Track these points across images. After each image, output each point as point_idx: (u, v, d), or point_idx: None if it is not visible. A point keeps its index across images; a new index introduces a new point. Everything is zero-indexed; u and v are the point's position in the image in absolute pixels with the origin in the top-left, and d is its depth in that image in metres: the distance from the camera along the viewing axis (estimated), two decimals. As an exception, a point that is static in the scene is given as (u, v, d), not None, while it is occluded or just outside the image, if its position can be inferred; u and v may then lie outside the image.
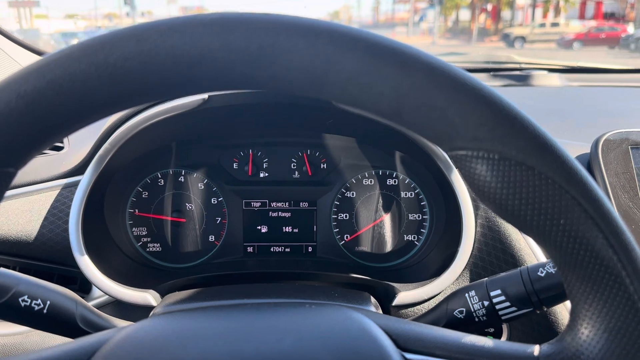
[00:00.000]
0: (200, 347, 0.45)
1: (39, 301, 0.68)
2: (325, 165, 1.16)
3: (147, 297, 0.93)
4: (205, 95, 0.92)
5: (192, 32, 0.36)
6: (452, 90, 0.36)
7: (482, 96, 0.37)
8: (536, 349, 0.45)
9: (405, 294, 0.95)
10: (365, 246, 1.15)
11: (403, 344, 0.47)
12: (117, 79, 0.36)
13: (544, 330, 0.91)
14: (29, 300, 0.68)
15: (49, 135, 0.38)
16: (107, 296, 1.01)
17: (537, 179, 0.37)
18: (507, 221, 0.39)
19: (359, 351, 0.45)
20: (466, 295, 0.71)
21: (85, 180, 0.96)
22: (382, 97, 0.37)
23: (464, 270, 0.96)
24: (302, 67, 0.36)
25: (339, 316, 0.51)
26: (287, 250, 1.16)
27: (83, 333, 0.70)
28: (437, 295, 0.95)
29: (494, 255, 0.96)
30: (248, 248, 1.15)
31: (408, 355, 0.46)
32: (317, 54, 0.36)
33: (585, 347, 0.41)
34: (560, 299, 0.67)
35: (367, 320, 0.49)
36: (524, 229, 0.39)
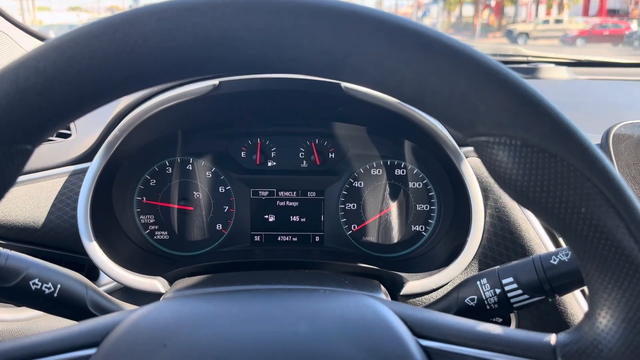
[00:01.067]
0: (215, 329, 0.45)
1: (50, 284, 0.68)
2: (333, 155, 1.16)
3: (156, 283, 0.93)
4: (215, 81, 0.92)
5: (214, 11, 0.35)
6: (475, 74, 0.36)
7: (506, 81, 0.36)
8: (553, 338, 0.44)
9: (413, 284, 0.95)
10: (373, 236, 1.15)
11: (418, 330, 0.47)
12: (137, 57, 0.36)
13: (553, 320, 0.91)
14: (40, 284, 0.68)
15: (66, 112, 0.37)
16: (114, 283, 1.01)
17: (559, 166, 0.36)
18: (527, 208, 0.39)
19: (375, 337, 0.45)
20: (478, 283, 0.71)
21: (93, 167, 0.96)
22: (404, 81, 0.37)
23: (472, 260, 0.95)
24: (324, 49, 0.36)
25: (355, 302, 0.50)
26: (295, 239, 1.15)
27: (93, 317, 0.70)
28: (445, 285, 0.95)
29: (503, 246, 0.96)
30: (255, 237, 1.15)
31: (423, 342, 0.45)
32: (340, 35, 0.36)
33: (603, 337, 0.41)
34: (572, 287, 0.67)
35: (383, 306, 0.49)
36: (544, 216, 0.39)
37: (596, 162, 0.37)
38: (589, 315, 0.42)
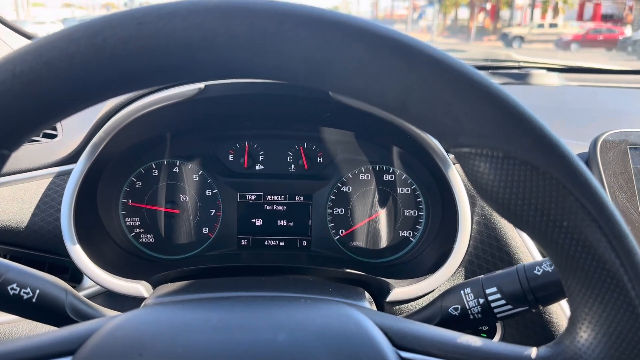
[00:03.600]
0: (193, 338, 0.44)
1: (28, 289, 0.67)
2: (321, 159, 1.15)
3: (139, 288, 0.92)
4: (201, 85, 0.91)
5: (195, 16, 0.35)
6: (458, 85, 0.36)
7: (489, 93, 0.36)
8: (533, 352, 0.44)
9: (399, 290, 0.94)
10: (360, 241, 1.14)
11: (399, 342, 0.46)
12: (116, 62, 0.35)
13: (539, 329, 0.91)
14: (18, 289, 0.67)
15: (44, 117, 0.37)
16: (98, 286, 1.00)
17: (541, 179, 0.36)
18: (509, 221, 0.38)
19: (355, 348, 0.44)
20: (461, 292, 0.70)
21: (78, 169, 0.95)
22: (387, 90, 0.36)
23: (459, 267, 0.95)
24: (305, 56, 0.36)
25: (335, 312, 0.50)
26: (282, 244, 1.15)
27: (73, 323, 0.69)
28: (431, 292, 0.95)
29: (489, 253, 0.95)
30: (242, 241, 1.14)
31: (403, 354, 0.45)
32: (322, 44, 0.35)
33: (584, 351, 0.40)
34: (556, 297, 0.67)
35: (363, 317, 0.49)
36: (525, 229, 0.38)
37: (579, 176, 0.36)
38: (570, 330, 0.42)
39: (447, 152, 0.96)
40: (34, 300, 0.67)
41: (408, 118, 0.38)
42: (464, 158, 0.38)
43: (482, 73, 0.37)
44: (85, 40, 0.35)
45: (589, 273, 0.38)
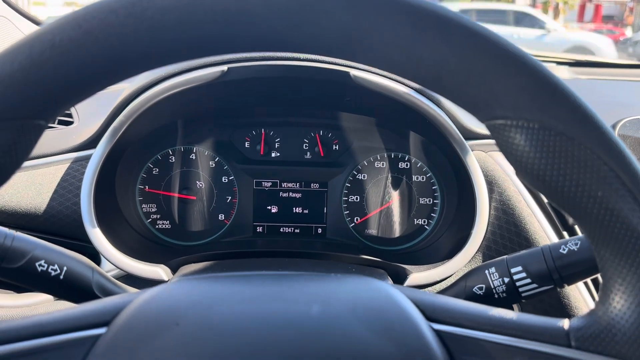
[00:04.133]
0: (228, 309, 0.44)
1: (56, 266, 0.68)
2: (337, 147, 1.16)
3: (159, 271, 0.92)
4: (224, 67, 0.92)
5: None
6: (493, 56, 0.36)
7: (524, 64, 0.36)
8: (566, 323, 0.44)
9: (417, 275, 0.95)
10: (375, 229, 1.15)
11: (430, 314, 0.46)
12: (154, 33, 0.35)
13: (556, 313, 0.91)
14: (46, 266, 0.67)
15: (81, 88, 0.37)
16: (116, 271, 1.00)
17: (577, 150, 0.36)
18: (543, 193, 0.39)
19: (388, 320, 0.44)
20: (486, 272, 0.71)
21: (97, 153, 0.95)
22: (421, 62, 0.36)
23: (476, 253, 0.95)
24: (340, 28, 0.36)
25: (367, 285, 0.50)
26: (297, 231, 1.15)
27: None
28: (449, 277, 0.95)
29: (507, 238, 0.96)
30: (257, 228, 1.15)
31: (435, 326, 0.45)
32: (357, 15, 0.35)
33: (617, 321, 0.41)
34: (582, 276, 0.67)
35: (395, 290, 0.49)
36: (559, 201, 0.39)
37: (613, 146, 0.37)
38: (603, 300, 0.42)
39: (467, 138, 0.96)
40: (61, 277, 0.68)
41: (442, 91, 0.38)
42: (499, 130, 0.38)
43: None
44: (124, 10, 0.35)
45: (622, 243, 0.38)
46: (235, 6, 0.35)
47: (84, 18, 0.35)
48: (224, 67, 0.91)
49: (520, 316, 0.46)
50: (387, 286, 0.50)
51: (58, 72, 0.35)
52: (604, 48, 12.92)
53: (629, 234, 0.38)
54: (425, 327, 0.44)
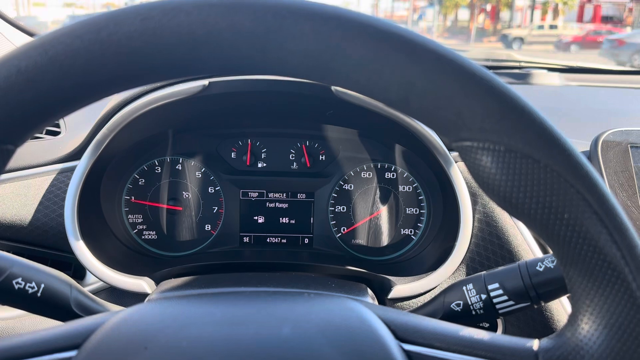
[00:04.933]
0: (197, 331, 0.44)
1: (33, 284, 0.68)
2: (324, 157, 1.16)
3: (142, 284, 0.92)
4: (205, 82, 0.92)
5: (199, 12, 0.35)
6: (460, 79, 0.36)
7: (491, 87, 0.36)
8: (535, 344, 0.44)
9: (401, 287, 0.95)
10: (362, 239, 1.15)
11: (401, 334, 0.46)
12: (120, 58, 0.35)
13: (539, 325, 0.91)
14: (23, 283, 0.67)
15: (49, 113, 0.37)
16: (101, 282, 1.01)
17: (542, 172, 0.36)
18: (511, 214, 0.39)
19: (358, 340, 0.44)
20: (464, 288, 0.71)
21: (81, 166, 0.95)
22: (390, 85, 0.37)
23: (460, 264, 0.96)
24: (308, 51, 0.36)
25: (338, 305, 0.50)
26: (284, 241, 1.15)
27: (77, 317, 0.69)
28: (433, 289, 0.95)
29: (490, 251, 0.96)
30: (244, 238, 1.15)
31: (406, 346, 0.45)
32: (325, 39, 0.35)
33: (585, 343, 0.41)
34: (558, 293, 0.67)
35: (366, 310, 0.49)
36: (527, 222, 0.39)
37: (580, 168, 0.37)
38: (572, 321, 0.42)
39: (450, 148, 0.97)
40: (39, 294, 0.68)
41: (410, 112, 0.38)
42: (466, 152, 0.38)
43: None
44: (90, 35, 0.35)
45: (590, 265, 0.38)
46: (201, 31, 0.35)
47: (50, 44, 0.35)
48: (205, 82, 0.91)
49: (491, 336, 0.46)
50: (359, 306, 0.50)
51: (24, 98, 0.35)
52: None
53: (595, 255, 0.38)
54: (395, 347, 0.44)
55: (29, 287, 0.67)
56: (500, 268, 0.71)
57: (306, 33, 0.35)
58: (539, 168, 0.37)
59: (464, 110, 0.36)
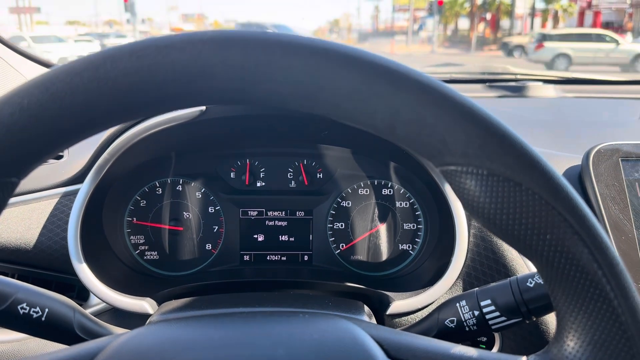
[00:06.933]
0: (195, 355, 0.46)
1: (38, 309, 0.69)
2: (321, 175, 1.18)
3: (144, 305, 0.94)
4: (203, 107, 0.94)
5: (192, 48, 0.37)
6: (441, 107, 0.38)
7: (471, 114, 0.38)
8: None
9: (399, 303, 0.96)
10: (361, 255, 1.16)
11: (394, 353, 0.48)
12: (118, 93, 0.37)
13: (536, 339, 0.93)
14: (28, 308, 0.69)
15: (51, 147, 0.39)
16: (104, 304, 1.02)
17: (524, 194, 0.38)
18: (496, 235, 0.40)
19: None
20: (457, 305, 0.72)
21: (84, 189, 0.97)
22: (375, 114, 0.38)
23: (457, 279, 0.97)
24: (297, 84, 0.38)
25: (332, 326, 0.52)
26: (283, 258, 1.17)
27: (81, 340, 0.71)
28: (430, 304, 0.97)
29: (486, 266, 0.97)
30: (244, 256, 1.17)
31: None
32: (312, 71, 0.37)
33: (571, 359, 0.42)
34: (548, 309, 0.68)
35: (359, 329, 0.51)
36: (511, 243, 0.40)
37: (560, 191, 0.39)
38: (557, 338, 0.44)
39: (436, 168, 0.98)
40: (43, 319, 0.70)
41: (396, 139, 0.40)
42: (451, 176, 0.40)
43: (477, 86, 0.39)
44: (88, 73, 0.37)
45: (573, 283, 0.40)
46: (194, 67, 0.37)
47: (50, 81, 0.37)
48: (203, 107, 0.94)
49: (481, 354, 0.48)
50: (352, 326, 0.52)
51: (28, 134, 0.37)
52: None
53: (578, 274, 0.39)
54: None
55: (34, 311, 0.69)
56: (492, 284, 0.72)
57: (294, 67, 0.37)
58: (520, 191, 0.38)
59: (447, 137, 0.38)
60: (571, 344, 0.42)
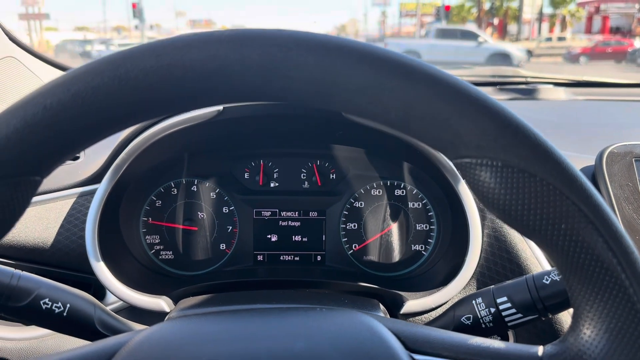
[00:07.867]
0: (215, 349, 0.47)
1: (59, 304, 0.71)
2: (334, 176, 1.19)
3: (161, 303, 0.95)
4: (220, 107, 0.95)
5: (210, 47, 0.38)
6: (455, 100, 0.39)
7: (484, 106, 0.39)
8: (540, 349, 0.46)
9: (413, 303, 0.96)
10: (374, 255, 1.17)
11: (411, 345, 0.49)
12: (138, 92, 0.38)
13: (550, 337, 0.93)
14: (50, 303, 0.70)
15: (73, 145, 0.40)
16: (120, 302, 1.04)
17: (538, 185, 0.39)
18: (511, 226, 0.41)
19: (369, 352, 0.47)
20: (473, 302, 0.73)
21: (101, 189, 0.99)
22: (389, 108, 0.39)
23: (470, 279, 0.97)
24: (312, 80, 0.39)
25: (349, 319, 0.52)
26: (297, 259, 1.18)
27: (101, 336, 0.72)
28: (444, 303, 0.97)
29: (500, 265, 0.98)
30: (258, 256, 1.17)
31: (416, 356, 0.47)
32: (327, 68, 0.38)
33: (587, 347, 0.43)
34: (564, 306, 0.69)
35: (377, 322, 0.51)
36: (527, 233, 0.41)
37: (574, 181, 0.39)
38: (574, 327, 0.44)
39: (451, 161, 0.99)
40: (64, 314, 0.71)
41: (410, 133, 0.41)
42: (466, 168, 0.40)
43: (487, 89, 0.40)
44: (109, 72, 0.38)
45: (588, 272, 0.40)
46: (212, 65, 0.38)
47: (72, 81, 0.38)
48: (220, 107, 0.95)
49: (498, 344, 0.49)
50: (368, 319, 0.52)
51: (50, 132, 0.38)
52: (516, 53, 20.48)
53: (593, 263, 0.40)
54: (405, 358, 0.46)
55: (56, 307, 0.70)
56: (508, 282, 0.73)
57: (309, 63, 0.38)
58: (535, 182, 0.39)
59: (461, 130, 0.39)
60: (587, 332, 0.43)
